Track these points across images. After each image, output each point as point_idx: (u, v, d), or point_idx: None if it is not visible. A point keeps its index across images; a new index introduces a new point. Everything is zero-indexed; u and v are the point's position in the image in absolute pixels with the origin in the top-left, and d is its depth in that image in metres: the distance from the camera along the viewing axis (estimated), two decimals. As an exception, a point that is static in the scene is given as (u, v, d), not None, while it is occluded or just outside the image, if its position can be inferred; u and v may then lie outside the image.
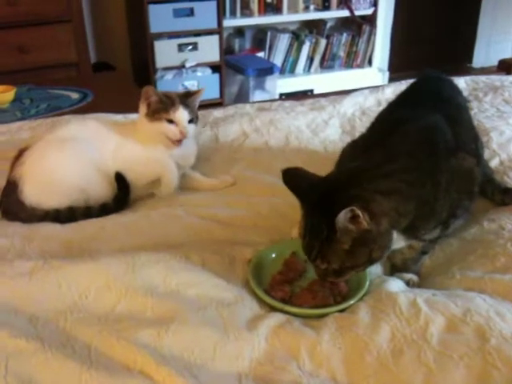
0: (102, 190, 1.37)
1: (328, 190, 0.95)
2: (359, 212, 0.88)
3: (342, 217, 0.88)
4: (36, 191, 1.32)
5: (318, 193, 0.96)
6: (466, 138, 1.14)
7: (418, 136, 1.06)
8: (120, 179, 1.38)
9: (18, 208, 1.32)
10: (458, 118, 1.16)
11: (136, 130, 1.46)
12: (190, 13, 3.65)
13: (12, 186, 1.34)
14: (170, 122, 1.41)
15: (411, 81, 1.44)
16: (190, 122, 1.44)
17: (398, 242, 1.02)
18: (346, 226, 0.89)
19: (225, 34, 3.99)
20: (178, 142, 1.43)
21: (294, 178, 1.01)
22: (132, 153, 1.43)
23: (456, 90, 1.30)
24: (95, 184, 1.37)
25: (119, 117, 1.90)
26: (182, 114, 1.42)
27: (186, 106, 1.44)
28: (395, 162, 1.00)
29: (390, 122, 1.17)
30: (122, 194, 1.38)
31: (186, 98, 1.46)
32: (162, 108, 1.42)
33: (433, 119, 1.09)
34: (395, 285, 1.03)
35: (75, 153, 1.37)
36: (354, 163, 1.06)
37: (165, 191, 1.43)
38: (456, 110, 1.19)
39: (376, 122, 1.23)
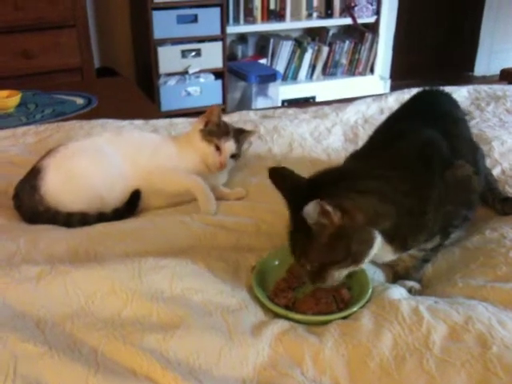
0: (119, 202, 1.39)
1: (310, 191, 0.98)
2: (327, 206, 0.91)
3: (310, 209, 0.90)
4: (57, 185, 1.35)
5: (301, 193, 0.98)
6: (464, 152, 1.15)
7: (411, 152, 1.08)
8: (134, 197, 1.39)
9: (30, 194, 1.35)
10: (455, 133, 1.18)
11: (178, 142, 1.51)
12: (194, 19, 3.67)
13: (35, 172, 1.37)
14: (217, 148, 1.46)
15: (413, 89, 1.46)
16: (233, 156, 1.49)
17: (386, 253, 1.04)
18: (317, 220, 0.92)
19: (228, 41, 4.01)
20: (214, 169, 1.47)
21: (280, 177, 1.05)
22: (166, 158, 1.46)
23: (454, 104, 1.32)
24: (114, 195, 1.39)
25: (125, 123, 1.92)
26: (230, 146, 1.47)
27: (237, 141, 1.49)
28: (384, 168, 1.03)
29: (386, 137, 1.19)
30: (125, 210, 1.38)
31: (240, 134, 1.52)
32: (217, 132, 1.47)
33: (428, 135, 1.11)
34: (398, 292, 1.04)
35: (104, 161, 1.40)
36: (341, 166, 1.10)
37: (205, 208, 1.39)
38: (453, 124, 1.20)
39: (374, 136, 1.25)
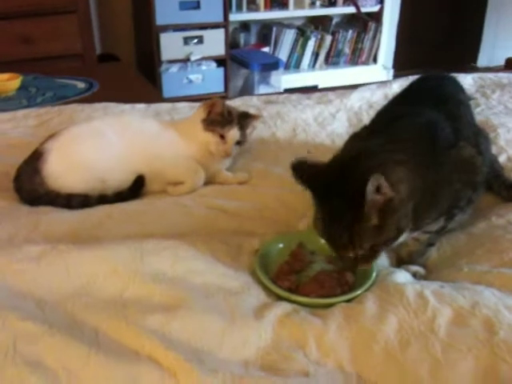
0: (120, 184, 1.38)
1: (339, 174, 0.94)
2: (382, 180, 0.87)
3: (371, 187, 0.86)
4: (58, 167, 1.35)
5: (330, 179, 0.95)
6: (467, 133, 1.14)
7: (417, 132, 1.06)
8: (138, 182, 1.39)
9: (32, 176, 1.35)
10: (457, 115, 1.16)
11: (178, 129, 1.48)
12: (197, 6, 3.64)
13: (37, 155, 1.37)
14: (221, 137, 1.44)
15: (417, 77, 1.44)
16: (238, 143, 1.47)
17: None
18: (372, 197, 0.88)
19: (230, 28, 3.98)
20: (219, 158, 1.46)
21: (303, 171, 0.99)
22: (166, 149, 1.44)
23: (458, 87, 1.30)
24: (115, 178, 1.38)
25: (126, 106, 1.90)
26: (234, 135, 1.45)
27: (241, 127, 1.46)
28: (398, 143, 1.01)
29: (389, 118, 1.17)
30: (128, 195, 1.37)
31: (245, 119, 1.49)
32: (220, 122, 1.44)
33: (430, 116, 1.10)
34: (402, 276, 1.03)
35: (106, 144, 1.40)
36: (355, 147, 1.07)
37: (179, 193, 1.41)
38: (456, 106, 1.19)
39: (377, 118, 1.24)
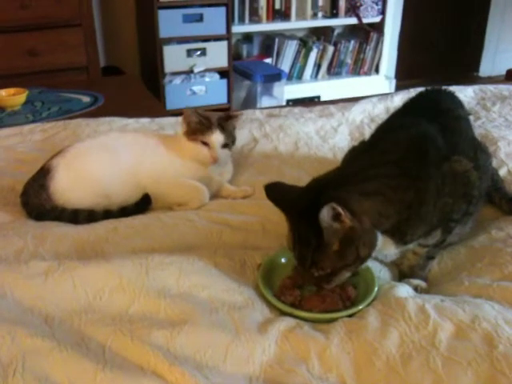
0: (124, 199, 1.40)
1: (310, 199, 0.97)
2: (339, 209, 0.91)
3: (325, 214, 0.91)
4: (65, 183, 1.38)
5: (301, 203, 0.98)
6: (464, 147, 1.16)
7: (406, 144, 1.09)
8: (144, 201, 1.41)
9: (38, 192, 1.37)
10: (455, 129, 1.18)
11: (174, 147, 1.49)
12: (200, 18, 3.67)
13: (44, 171, 1.40)
14: (205, 144, 1.44)
15: (419, 89, 1.45)
16: (225, 146, 1.46)
17: (388, 246, 1.04)
18: (330, 224, 0.92)
19: (233, 40, 4.01)
20: (208, 165, 1.46)
21: (277, 193, 1.04)
22: (166, 174, 1.45)
23: (456, 102, 1.32)
24: (119, 194, 1.40)
25: (131, 121, 1.92)
26: (216, 139, 1.44)
27: (223, 129, 1.46)
28: (380, 167, 1.03)
29: (384, 131, 1.21)
30: (133, 210, 1.39)
31: (226, 120, 1.48)
32: (200, 130, 1.45)
33: (423, 128, 1.12)
34: (404, 290, 1.04)
35: (111, 160, 1.42)
36: (337, 170, 1.10)
37: (186, 206, 1.44)
38: (454, 120, 1.21)
39: (375, 133, 1.27)
